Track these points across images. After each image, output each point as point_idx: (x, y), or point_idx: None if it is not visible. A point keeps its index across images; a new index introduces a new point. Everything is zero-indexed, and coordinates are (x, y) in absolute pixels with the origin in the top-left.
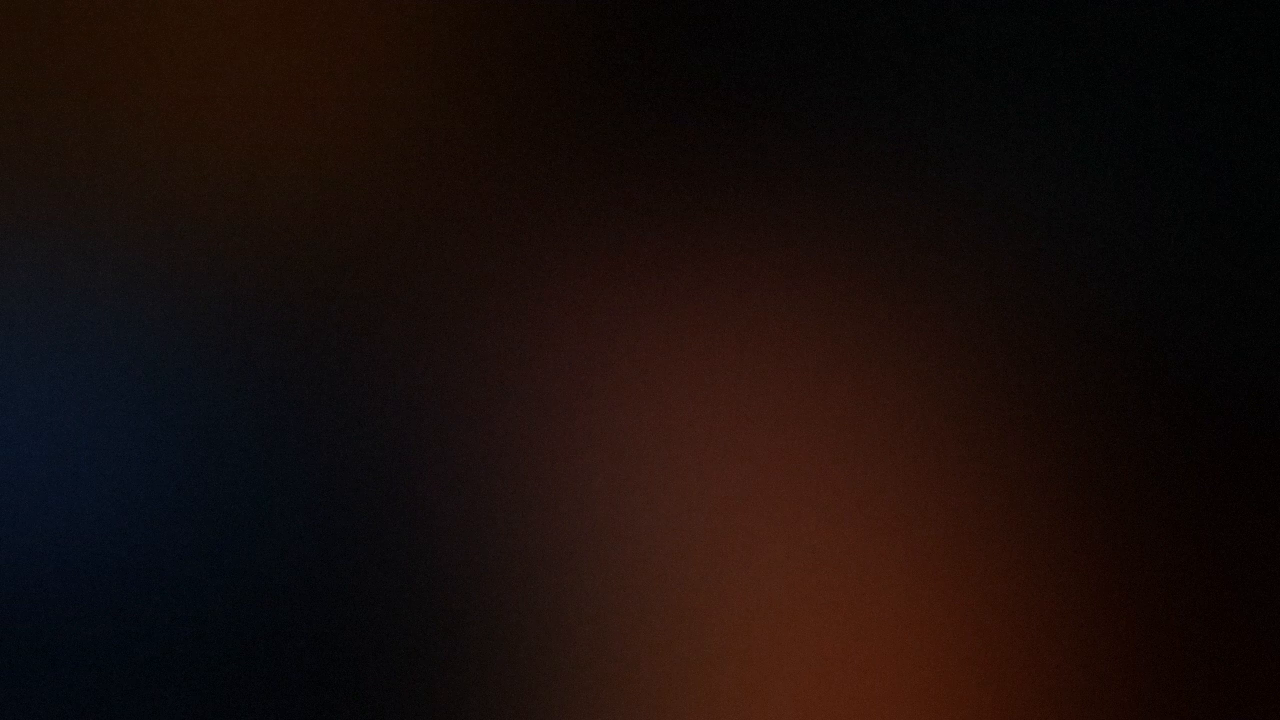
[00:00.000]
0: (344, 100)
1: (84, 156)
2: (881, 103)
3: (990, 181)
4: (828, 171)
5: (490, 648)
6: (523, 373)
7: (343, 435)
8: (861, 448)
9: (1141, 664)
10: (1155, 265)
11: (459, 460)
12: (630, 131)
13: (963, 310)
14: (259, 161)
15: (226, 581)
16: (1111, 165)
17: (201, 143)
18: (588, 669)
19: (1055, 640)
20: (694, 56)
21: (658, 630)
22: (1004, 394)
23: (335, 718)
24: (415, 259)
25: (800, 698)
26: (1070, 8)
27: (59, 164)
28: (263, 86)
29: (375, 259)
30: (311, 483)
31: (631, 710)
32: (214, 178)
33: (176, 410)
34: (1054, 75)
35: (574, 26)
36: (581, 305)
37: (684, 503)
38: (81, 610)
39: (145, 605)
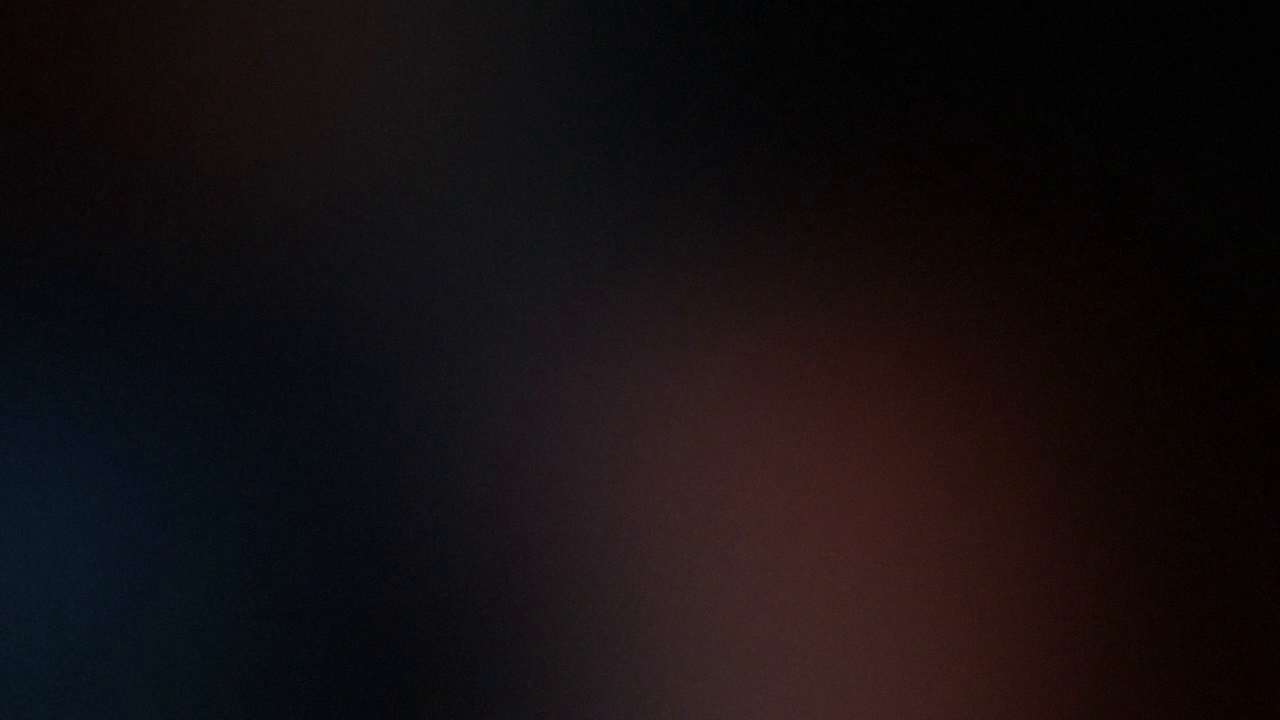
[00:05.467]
0: (344, 99)
1: (83, 156)
2: (885, 105)
3: (991, 179)
4: (830, 171)
5: (492, 649)
6: (524, 374)
7: (341, 437)
8: (867, 446)
9: (1145, 662)
10: (1155, 263)
11: (460, 461)
12: (630, 131)
13: (964, 309)
14: (258, 161)
15: (224, 585)
16: (1110, 159)
17: (201, 142)
18: (589, 671)
19: (1063, 639)
20: (697, 58)
21: (661, 631)
22: (1008, 392)
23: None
24: (417, 260)
25: (804, 698)
26: (1070, 10)
27: (59, 164)
28: (264, 87)
29: (376, 262)
30: (309, 486)
31: (636, 711)
32: (213, 177)
33: (176, 412)
34: (1052, 76)
35: (577, 26)
36: (583, 304)
37: (687, 503)
38: (81, 613)
39: (144, 608)
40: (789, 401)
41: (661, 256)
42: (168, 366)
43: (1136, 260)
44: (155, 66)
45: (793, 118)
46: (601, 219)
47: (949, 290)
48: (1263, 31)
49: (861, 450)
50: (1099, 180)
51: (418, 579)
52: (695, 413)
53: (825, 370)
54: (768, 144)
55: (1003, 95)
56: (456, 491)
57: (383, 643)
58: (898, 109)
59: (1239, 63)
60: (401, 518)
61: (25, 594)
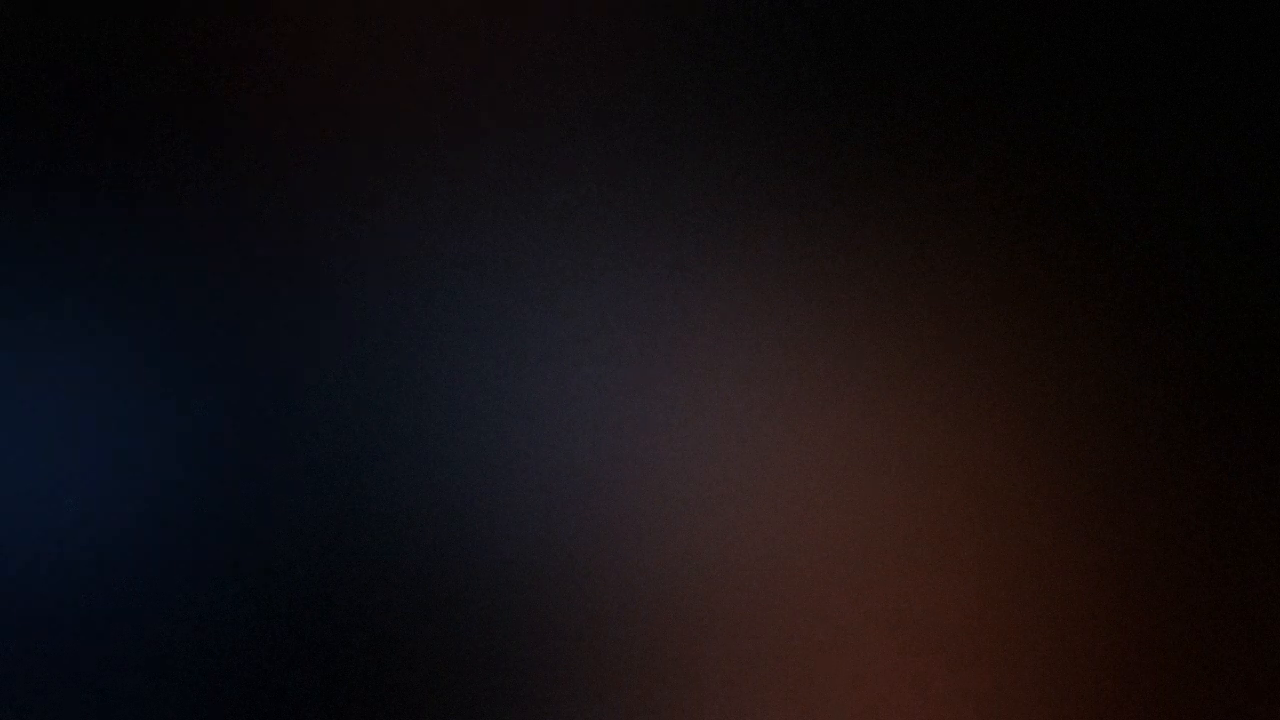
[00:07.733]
0: (347, 95)
1: (83, 154)
2: (885, 105)
3: (991, 179)
4: (830, 171)
5: (492, 649)
6: (524, 374)
7: (340, 437)
8: (867, 446)
9: (1146, 662)
10: (1155, 263)
11: (460, 461)
12: (631, 132)
13: (964, 309)
14: (258, 160)
15: (223, 584)
16: (1111, 159)
17: (202, 140)
18: (587, 670)
19: (1063, 639)
20: (697, 58)
21: (661, 631)
22: (1008, 391)
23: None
24: (417, 259)
25: (805, 698)
26: (1069, 12)
27: (58, 163)
28: (264, 85)
29: (376, 261)
30: (308, 486)
31: (636, 711)
32: (213, 175)
33: (174, 412)
34: (1052, 75)
35: (578, 25)
36: (584, 304)
37: (686, 503)
38: (81, 611)
39: (143, 607)
40: (789, 401)
41: (661, 256)
42: (166, 365)
43: (1136, 260)
44: (155, 64)
45: (793, 118)
46: (602, 219)
47: (949, 290)
48: (1263, 32)
49: (862, 450)
50: (1099, 180)
51: (418, 578)
52: (695, 413)
53: (826, 370)
54: (768, 144)
55: (1003, 95)
56: (456, 491)
57: (383, 643)
58: (897, 109)
59: (1239, 63)
60: (402, 517)
61: (24, 592)
